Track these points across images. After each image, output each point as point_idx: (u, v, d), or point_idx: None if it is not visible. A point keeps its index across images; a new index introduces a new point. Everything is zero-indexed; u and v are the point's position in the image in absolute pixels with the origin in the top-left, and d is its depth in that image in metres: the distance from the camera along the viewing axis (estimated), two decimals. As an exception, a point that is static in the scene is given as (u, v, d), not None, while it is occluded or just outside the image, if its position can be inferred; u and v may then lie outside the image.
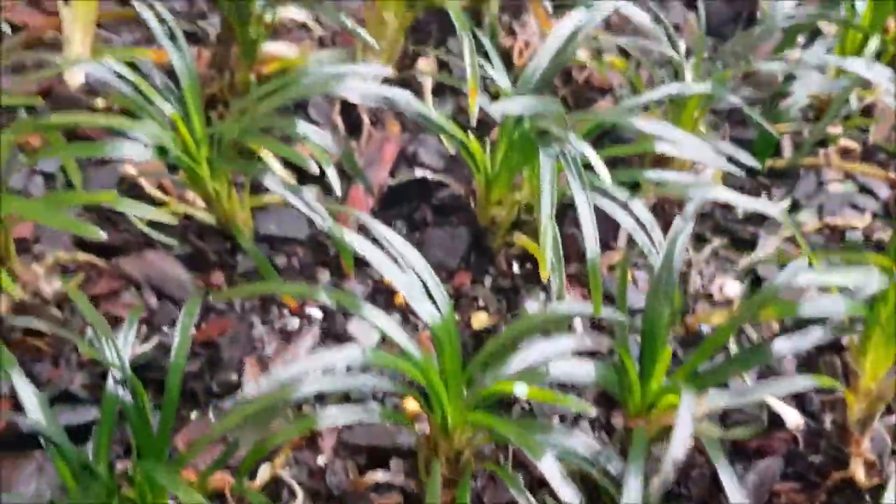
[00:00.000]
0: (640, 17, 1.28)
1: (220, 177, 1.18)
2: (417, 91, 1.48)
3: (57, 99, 1.51)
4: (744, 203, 1.00)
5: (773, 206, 1.02)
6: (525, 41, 1.52)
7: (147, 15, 1.23)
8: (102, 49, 1.56)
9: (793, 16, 1.29)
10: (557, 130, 0.99)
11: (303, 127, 1.15)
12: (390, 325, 0.91)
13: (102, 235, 1.02)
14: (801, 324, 1.31)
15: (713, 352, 0.94)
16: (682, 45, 1.61)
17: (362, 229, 1.09)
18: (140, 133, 1.14)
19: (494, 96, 1.40)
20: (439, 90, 1.53)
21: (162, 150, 1.14)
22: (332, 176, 1.14)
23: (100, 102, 1.50)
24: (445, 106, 1.49)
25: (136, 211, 1.10)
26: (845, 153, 1.53)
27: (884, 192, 1.51)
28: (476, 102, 1.20)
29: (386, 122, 1.48)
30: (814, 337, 0.90)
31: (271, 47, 1.44)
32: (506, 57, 1.55)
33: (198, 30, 1.65)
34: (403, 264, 1.01)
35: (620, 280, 1.06)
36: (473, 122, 1.22)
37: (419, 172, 1.38)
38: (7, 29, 1.44)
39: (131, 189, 1.38)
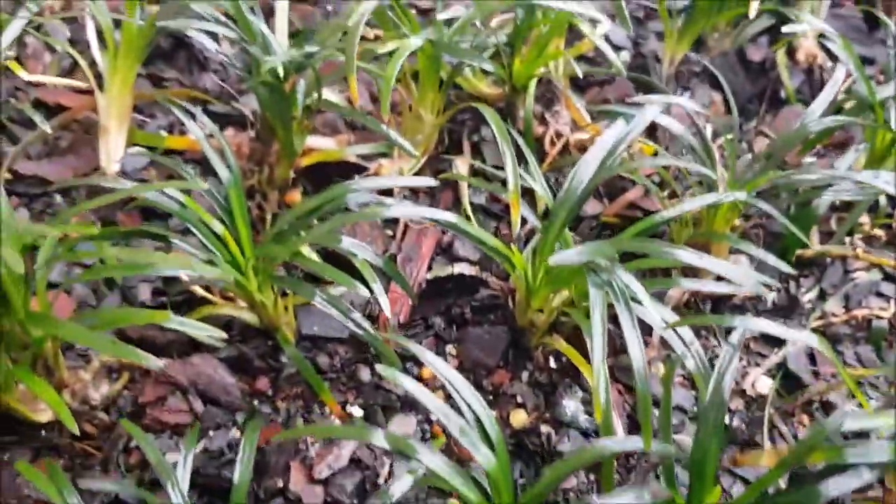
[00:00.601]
0: (676, 127, 1.30)
1: (266, 290, 1.20)
2: (454, 185, 1.51)
3: (93, 186, 1.53)
4: (779, 332, 1.03)
5: (807, 335, 1.04)
6: (556, 131, 1.54)
7: (194, 128, 1.25)
8: (137, 134, 1.58)
9: (823, 122, 1.32)
10: (606, 264, 1.01)
11: (347, 243, 1.17)
12: (444, 468, 0.93)
13: (157, 364, 1.04)
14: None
15: (761, 490, 0.96)
16: (710, 129, 1.65)
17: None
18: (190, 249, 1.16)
19: (528, 191, 1.43)
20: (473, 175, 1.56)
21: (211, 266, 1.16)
22: (379, 291, 1.17)
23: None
24: (480, 196, 1.51)
25: (188, 329, 1.12)
26: (871, 240, 1.56)
27: (909, 279, 1.54)
28: (518, 216, 1.23)
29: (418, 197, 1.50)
30: (862, 478, 0.92)
31: (310, 141, 1.46)
32: (538, 144, 1.58)
33: (232, 111, 1.67)
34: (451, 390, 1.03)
35: (665, 399, 1.08)
36: (515, 234, 1.25)
37: (457, 268, 1.40)
38: (33, 114, 1.44)
39: (173, 283, 1.40)
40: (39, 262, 1.10)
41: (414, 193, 1.51)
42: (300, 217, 1.20)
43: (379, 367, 0.95)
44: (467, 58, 1.32)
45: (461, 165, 1.47)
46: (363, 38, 1.62)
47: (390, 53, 1.21)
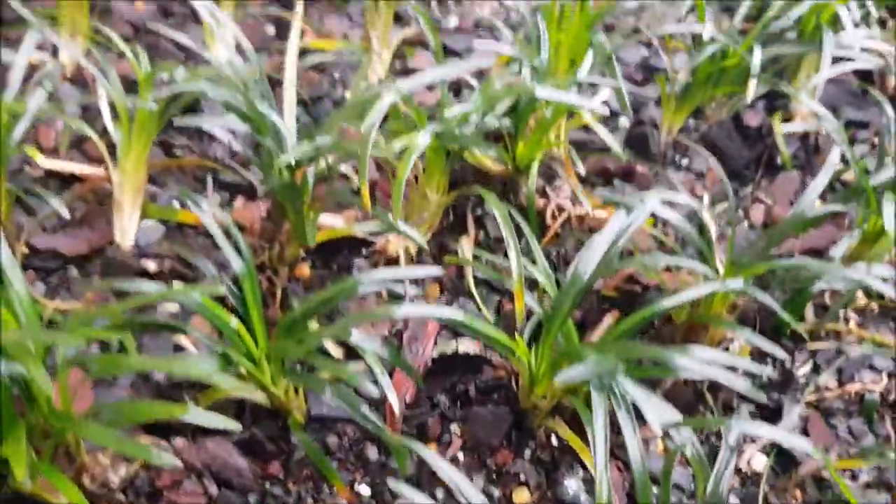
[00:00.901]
0: (675, 218, 1.34)
1: (279, 381, 1.25)
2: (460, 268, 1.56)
3: (108, 261, 1.57)
4: (775, 435, 1.08)
5: (798, 440, 1.09)
6: (558, 205, 1.59)
7: (209, 223, 1.29)
8: (151, 208, 1.62)
9: (817, 210, 1.36)
10: (609, 371, 1.06)
11: (356, 337, 1.22)
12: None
13: (172, 462, 1.08)
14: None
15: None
16: (707, 198, 1.69)
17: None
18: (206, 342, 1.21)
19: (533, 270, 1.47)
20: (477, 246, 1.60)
21: (227, 359, 1.20)
22: (386, 385, 1.22)
23: (151, 266, 1.57)
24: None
25: (205, 421, 1.16)
26: (864, 313, 1.60)
27: (900, 351, 1.59)
28: (522, 307, 1.28)
29: (426, 286, 1.55)
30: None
31: (320, 218, 1.50)
32: (539, 217, 1.62)
33: (241, 180, 1.72)
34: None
35: (664, 486, 1.13)
36: (520, 325, 1.29)
37: (462, 344, 1.44)
38: (50, 197, 1.49)
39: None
40: (60, 362, 1.14)
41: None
42: (311, 308, 1.24)
43: (391, 482, 0.99)
44: (473, 146, 1.37)
45: (466, 246, 1.51)
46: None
47: (400, 152, 1.26)
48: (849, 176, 1.77)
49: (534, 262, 1.36)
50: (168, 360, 1.11)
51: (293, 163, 1.33)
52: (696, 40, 1.75)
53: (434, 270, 1.29)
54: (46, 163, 1.43)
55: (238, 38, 1.85)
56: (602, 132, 1.40)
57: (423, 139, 1.27)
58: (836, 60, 1.66)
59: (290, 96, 1.58)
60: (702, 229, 1.41)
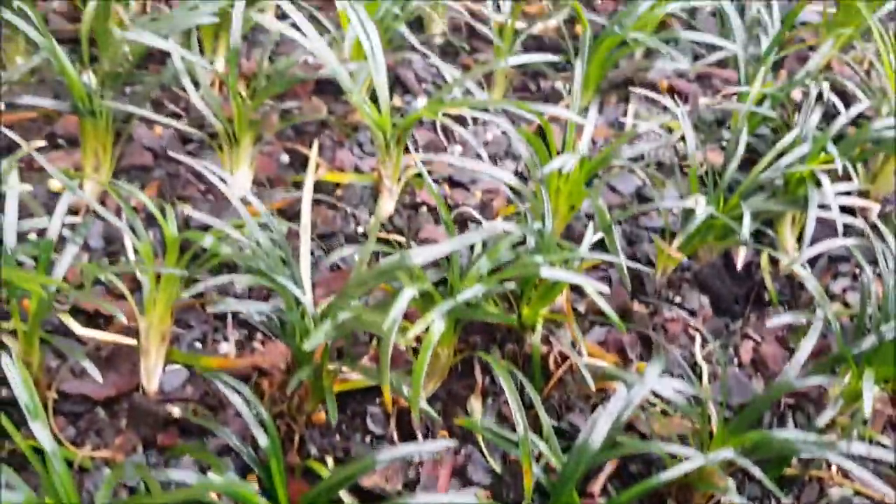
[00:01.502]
0: (671, 394, 1.45)
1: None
2: (463, 403, 1.66)
3: (134, 406, 1.65)
4: None
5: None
6: (560, 352, 1.69)
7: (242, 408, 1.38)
8: (175, 353, 1.72)
9: (805, 381, 1.47)
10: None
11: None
12: None
13: None
14: None
15: None
16: (699, 338, 1.80)
17: None
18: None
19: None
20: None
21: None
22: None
23: (176, 411, 1.66)
24: (489, 414, 1.65)
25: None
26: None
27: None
28: (530, 480, 1.38)
29: (436, 432, 1.64)
30: None
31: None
32: (542, 362, 1.72)
33: (258, 324, 1.81)
34: None
35: None
36: (527, 498, 1.39)
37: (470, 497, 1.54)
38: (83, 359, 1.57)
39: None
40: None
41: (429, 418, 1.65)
42: (333, 486, 1.34)
43: None
44: (482, 317, 1.47)
45: (475, 403, 1.61)
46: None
47: (414, 343, 1.35)
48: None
49: (541, 431, 1.46)
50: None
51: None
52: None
53: (446, 443, 1.39)
54: (83, 331, 1.53)
55: (253, 172, 1.96)
56: (602, 304, 1.51)
57: (437, 326, 1.37)
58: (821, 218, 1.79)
59: (305, 240, 1.68)
60: (699, 403, 1.51)
